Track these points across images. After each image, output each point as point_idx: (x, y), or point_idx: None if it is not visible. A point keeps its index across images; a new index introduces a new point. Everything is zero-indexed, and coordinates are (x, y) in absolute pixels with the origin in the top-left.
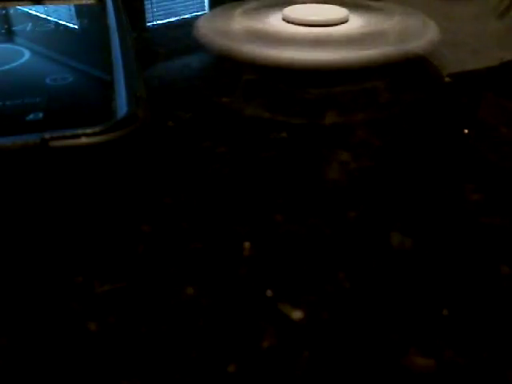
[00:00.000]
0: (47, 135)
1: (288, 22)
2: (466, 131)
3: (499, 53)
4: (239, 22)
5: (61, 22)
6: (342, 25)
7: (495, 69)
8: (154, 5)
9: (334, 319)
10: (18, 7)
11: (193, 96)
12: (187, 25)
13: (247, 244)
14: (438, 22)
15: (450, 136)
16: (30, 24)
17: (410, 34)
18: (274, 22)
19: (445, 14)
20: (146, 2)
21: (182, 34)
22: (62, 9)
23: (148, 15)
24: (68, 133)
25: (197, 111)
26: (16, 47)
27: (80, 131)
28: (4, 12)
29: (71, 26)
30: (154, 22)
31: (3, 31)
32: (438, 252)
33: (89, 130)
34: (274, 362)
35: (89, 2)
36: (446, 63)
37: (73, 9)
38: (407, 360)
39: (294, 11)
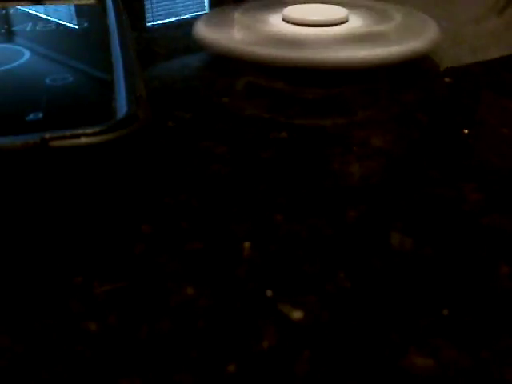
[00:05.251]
0: (47, 135)
1: (288, 22)
2: (466, 131)
3: (498, 50)
4: (239, 22)
5: (61, 21)
6: (342, 25)
7: (495, 68)
8: (154, 5)
9: (334, 319)
10: (18, 7)
11: (193, 96)
12: (187, 25)
13: (247, 244)
14: (437, 20)
15: (450, 136)
16: (29, 24)
17: (410, 33)
18: (274, 21)
19: (444, 12)
20: (146, 2)
21: (182, 33)
22: (62, 9)
23: (148, 15)
24: (68, 133)
25: (197, 111)
26: (16, 47)
27: (80, 131)
28: (4, 12)
29: (71, 25)
30: (154, 22)
31: (3, 31)
32: (438, 252)
33: (89, 130)
34: (274, 362)
35: (89, 2)
36: (445, 59)
37: (73, 9)
38: (407, 360)
39: (294, 11)
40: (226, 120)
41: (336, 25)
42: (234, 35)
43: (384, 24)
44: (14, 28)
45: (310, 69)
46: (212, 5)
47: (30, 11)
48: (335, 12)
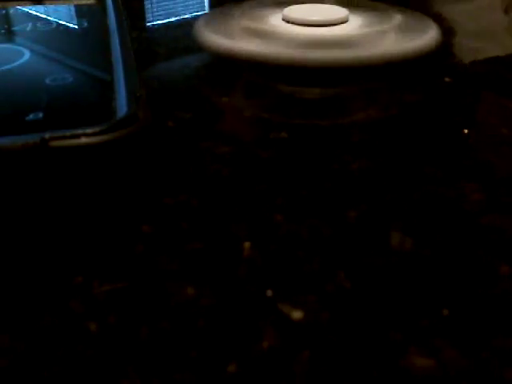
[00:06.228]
0: (47, 135)
1: (288, 22)
2: (466, 131)
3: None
4: (239, 22)
5: (61, 21)
6: (342, 25)
7: (495, 68)
8: (154, 5)
9: (334, 319)
10: (18, 7)
11: (193, 96)
12: (187, 25)
13: (247, 244)
14: (444, 19)
15: (450, 136)
16: (29, 24)
17: (410, 34)
18: (274, 21)
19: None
20: (146, 2)
21: (182, 33)
22: (62, 9)
23: (148, 15)
24: (68, 133)
25: (197, 111)
26: (16, 47)
27: (80, 131)
28: (4, 12)
29: (71, 25)
30: (154, 22)
31: (3, 31)
32: (438, 252)
33: (89, 130)
34: (274, 362)
35: (89, 1)
36: (464, 52)
37: (73, 9)
38: (407, 360)
39: (294, 11)
40: (226, 120)
41: (336, 25)
42: (233, 35)
43: (384, 24)
44: (13, 28)
45: (310, 69)
46: (212, 5)
47: (30, 11)
48: (335, 12)
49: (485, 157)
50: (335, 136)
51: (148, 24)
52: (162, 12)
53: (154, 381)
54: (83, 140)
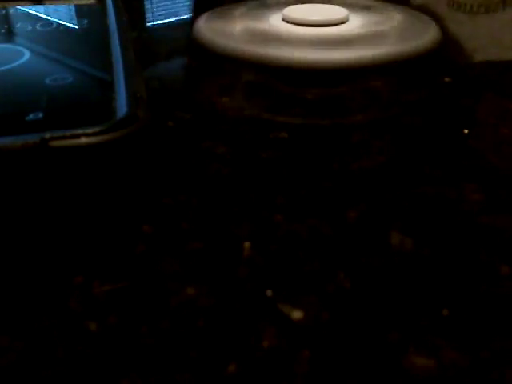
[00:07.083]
0: (47, 135)
1: (288, 22)
2: (466, 131)
3: None
4: (239, 22)
5: (61, 21)
6: (342, 25)
7: (495, 69)
8: (154, 5)
9: (334, 319)
10: (18, 7)
11: (193, 96)
12: (187, 25)
13: (247, 244)
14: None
15: (450, 136)
16: (29, 24)
17: (410, 33)
18: (274, 21)
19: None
20: (146, 2)
21: (182, 34)
22: (62, 9)
23: (148, 15)
24: (68, 133)
25: (197, 111)
26: (16, 47)
27: (80, 131)
28: (4, 12)
29: (71, 25)
30: (154, 22)
31: (3, 31)
32: (438, 252)
33: (89, 130)
34: (274, 362)
35: (89, 1)
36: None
37: (73, 9)
38: (407, 360)
39: (294, 11)
40: (226, 120)
41: (336, 25)
42: (234, 35)
43: (384, 24)
44: (13, 28)
45: (310, 69)
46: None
47: (30, 11)
48: (335, 12)
49: (485, 157)
50: (335, 136)
51: (148, 24)
52: (162, 12)
53: (154, 381)
54: (83, 140)
